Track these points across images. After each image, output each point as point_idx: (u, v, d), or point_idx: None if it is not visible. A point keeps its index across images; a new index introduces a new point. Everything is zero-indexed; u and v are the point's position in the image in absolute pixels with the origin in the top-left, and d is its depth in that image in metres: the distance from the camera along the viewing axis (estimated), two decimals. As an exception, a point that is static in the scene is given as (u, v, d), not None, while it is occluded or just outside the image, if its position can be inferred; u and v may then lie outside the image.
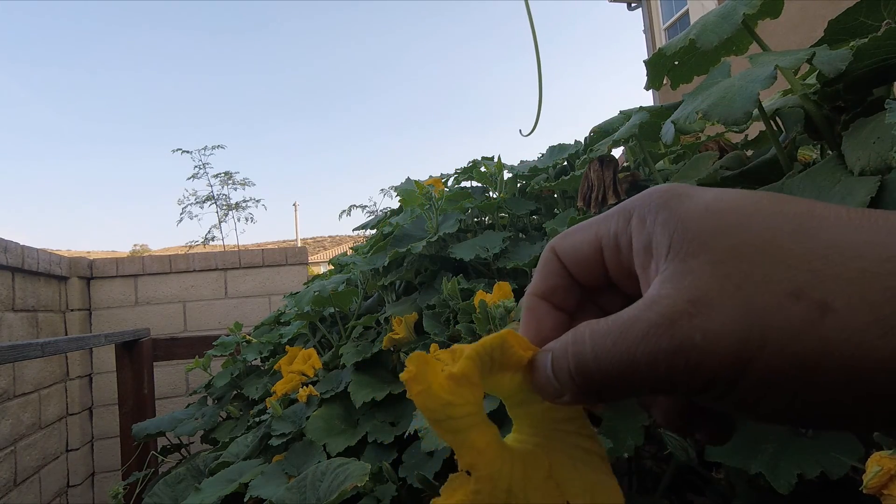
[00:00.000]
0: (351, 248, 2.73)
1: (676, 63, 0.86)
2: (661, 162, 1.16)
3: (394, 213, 1.50)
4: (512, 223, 1.25)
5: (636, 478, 0.84)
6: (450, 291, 0.95)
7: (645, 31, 10.87)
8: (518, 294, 0.89)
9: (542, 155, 1.34)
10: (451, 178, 1.55)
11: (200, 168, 5.52)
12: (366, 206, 5.94)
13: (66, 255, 3.28)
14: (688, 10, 9.27)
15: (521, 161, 1.48)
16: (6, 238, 2.48)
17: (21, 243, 2.61)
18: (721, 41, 0.71)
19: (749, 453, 0.54)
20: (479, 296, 0.82)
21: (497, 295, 0.82)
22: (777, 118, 0.79)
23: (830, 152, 0.65)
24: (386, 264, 1.15)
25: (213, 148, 5.59)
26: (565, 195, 1.18)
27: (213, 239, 5.83)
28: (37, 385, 2.79)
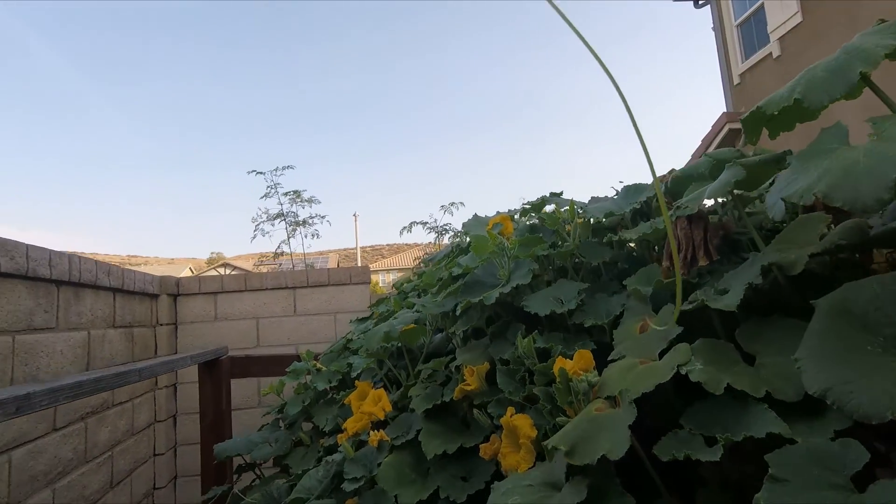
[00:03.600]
0: (414, 273, 2.76)
1: (776, 113, 0.79)
2: (756, 202, 1.07)
3: (461, 251, 1.50)
4: (585, 267, 1.20)
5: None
6: (525, 349, 0.92)
7: (714, 29, 10.26)
8: (597, 355, 0.85)
9: (617, 194, 1.29)
10: (518, 213, 1.53)
11: (272, 188, 5.86)
12: (426, 223, 6.03)
13: (153, 262, 3.58)
14: (762, 4, 8.65)
15: (592, 198, 1.43)
16: (105, 260, 2.75)
17: (120, 266, 2.88)
18: (832, 101, 0.65)
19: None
20: (559, 363, 0.79)
21: (578, 363, 0.79)
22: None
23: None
24: (458, 313, 1.14)
25: (283, 168, 5.93)
26: (644, 242, 1.12)
27: (282, 254, 6.15)
28: (131, 394, 3.06)
